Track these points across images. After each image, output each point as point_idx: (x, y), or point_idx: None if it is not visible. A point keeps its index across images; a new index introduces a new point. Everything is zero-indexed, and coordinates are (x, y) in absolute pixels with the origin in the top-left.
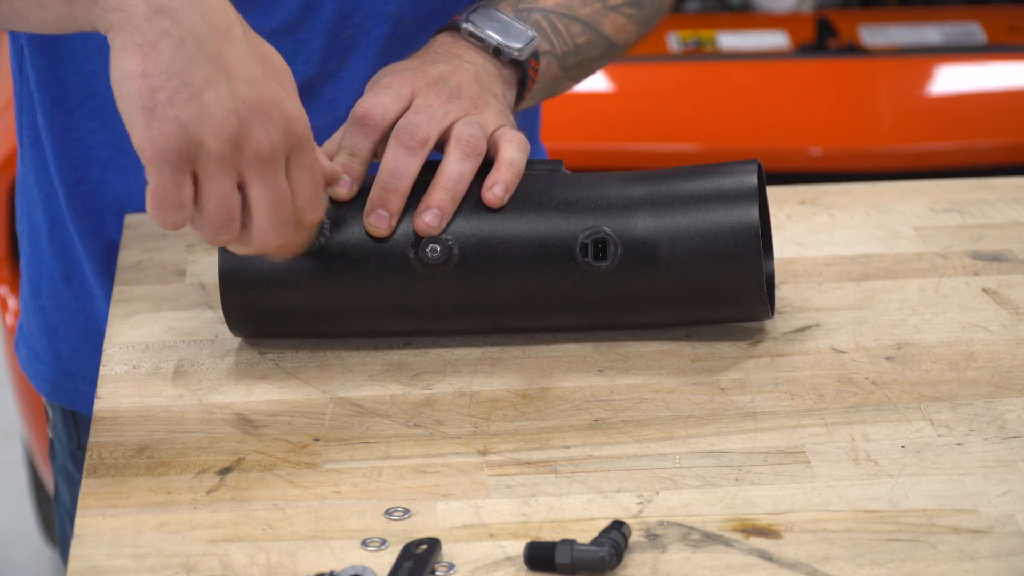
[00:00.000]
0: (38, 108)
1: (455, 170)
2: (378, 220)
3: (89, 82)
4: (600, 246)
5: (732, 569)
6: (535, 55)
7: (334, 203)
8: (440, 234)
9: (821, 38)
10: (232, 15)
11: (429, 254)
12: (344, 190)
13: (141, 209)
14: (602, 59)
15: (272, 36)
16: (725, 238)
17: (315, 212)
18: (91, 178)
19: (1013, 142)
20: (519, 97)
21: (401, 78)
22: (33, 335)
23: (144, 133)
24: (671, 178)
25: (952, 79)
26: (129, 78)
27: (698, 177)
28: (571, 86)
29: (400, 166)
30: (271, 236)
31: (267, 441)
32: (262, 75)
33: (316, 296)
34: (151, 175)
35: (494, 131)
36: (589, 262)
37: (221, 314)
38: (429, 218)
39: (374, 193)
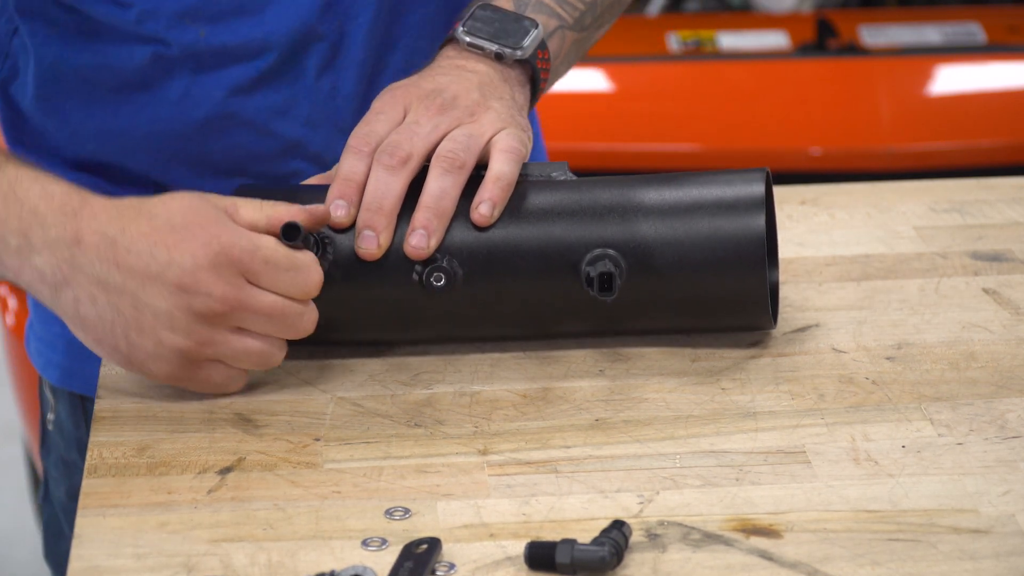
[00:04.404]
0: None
1: (436, 187)
2: (366, 242)
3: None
4: (605, 278)
5: (732, 569)
6: (542, 45)
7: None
8: (440, 255)
9: (821, 38)
10: (110, 229)
11: (434, 283)
12: (341, 212)
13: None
14: None
15: None
16: (730, 250)
17: (308, 285)
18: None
19: (1013, 142)
20: (535, 91)
21: (393, 99)
22: (44, 323)
23: (144, 375)
24: (676, 186)
25: (952, 79)
26: (86, 344)
27: (704, 185)
28: (602, 35)
29: (382, 186)
30: (293, 330)
31: (267, 441)
32: (166, 257)
33: (321, 315)
34: None
35: (491, 137)
36: (595, 296)
37: None
38: (415, 240)
39: (360, 216)
